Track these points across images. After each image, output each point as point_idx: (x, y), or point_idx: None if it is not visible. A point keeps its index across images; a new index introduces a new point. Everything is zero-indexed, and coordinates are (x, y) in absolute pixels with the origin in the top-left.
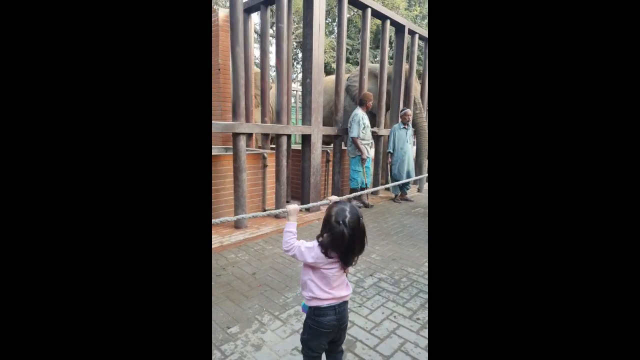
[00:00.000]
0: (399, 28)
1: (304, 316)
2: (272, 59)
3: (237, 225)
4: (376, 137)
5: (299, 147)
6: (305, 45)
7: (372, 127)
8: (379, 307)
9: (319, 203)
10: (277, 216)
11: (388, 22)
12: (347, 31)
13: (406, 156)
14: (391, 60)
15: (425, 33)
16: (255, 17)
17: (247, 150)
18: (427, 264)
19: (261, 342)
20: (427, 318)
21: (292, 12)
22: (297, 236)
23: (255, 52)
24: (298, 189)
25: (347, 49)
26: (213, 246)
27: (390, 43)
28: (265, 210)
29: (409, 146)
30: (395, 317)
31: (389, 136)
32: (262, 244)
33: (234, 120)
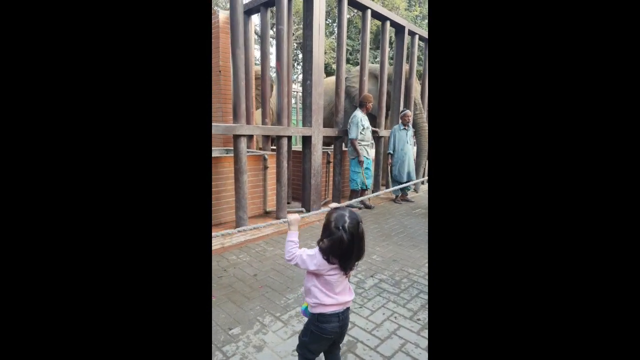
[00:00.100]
0: (399, 29)
1: (305, 317)
2: (272, 60)
3: (238, 226)
4: (376, 138)
5: (299, 148)
6: (306, 46)
7: (373, 127)
8: (379, 308)
9: (319, 211)
10: (278, 218)
11: (388, 23)
12: (348, 32)
13: (406, 157)
14: (391, 61)
15: (425, 34)
16: (255, 19)
17: (247, 151)
18: (427, 264)
19: (262, 344)
20: (427, 319)
21: (292, 13)
22: (299, 239)
23: (256, 53)
24: (299, 190)
25: (348, 50)
26: (214, 247)
27: (391, 44)
28: (266, 212)
29: (409, 147)
30: (395, 318)
31: (389, 137)
32: (263, 245)
33: (234, 122)
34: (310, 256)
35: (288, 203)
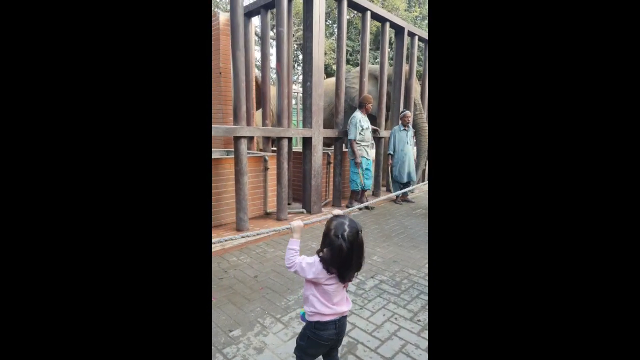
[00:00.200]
0: (398, 30)
1: (304, 322)
2: (272, 61)
3: (239, 228)
4: (377, 139)
5: (300, 149)
6: (306, 48)
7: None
8: (380, 309)
9: (322, 217)
10: (278, 219)
11: (387, 24)
12: (347, 32)
13: (407, 158)
14: (391, 62)
15: (424, 34)
16: (255, 21)
17: (248, 153)
18: (427, 265)
19: (263, 345)
20: (427, 320)
21: (293, 15)
22: (300, 242)
23: (256, 54)
24: (299, 191)
25: (348, 51)
26: (214, 249)
27: (391, 44)
28: (266, 214)
29: (409, 148)
30: (396, 319)
31: (389, 138)
32: (263, 247)
33: (235, 124)
34: (309, 264)
35: (289, 204)
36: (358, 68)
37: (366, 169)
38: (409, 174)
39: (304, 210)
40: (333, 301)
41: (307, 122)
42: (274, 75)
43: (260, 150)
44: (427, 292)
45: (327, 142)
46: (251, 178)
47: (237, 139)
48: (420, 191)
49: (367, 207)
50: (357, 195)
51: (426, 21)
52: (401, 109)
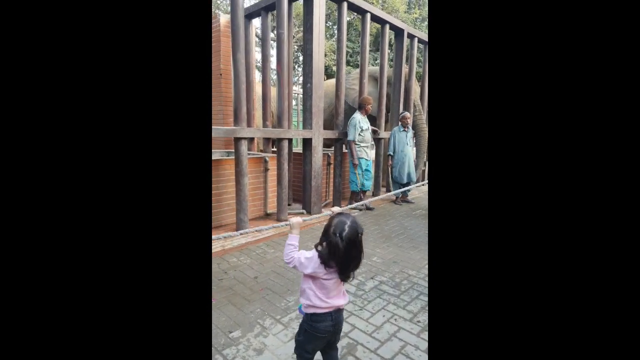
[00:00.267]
0: (398, 32)
1: (301, 315)
2: (273, 63)
3: (239, 228)
4: (377, 140)
5: (300, 150)
6: (306, 50)
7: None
8: (379, 310)
9: (322, 214)
10: (278, 220)
11: (387, 26)
12: (348, 34)
13: (406, 158)
14: (391, 63)
15: (424, 36)
16: (256, 22)
17: (248, 154)
18: (427, 266)
19: (263, 347)
20: (427, 321)
21: (293, 17)
22: (299, 241)
23: (257, 55)
24: (299, 192)
25: (348, 52)
26: (215, 250)
27: (390, 46)
28: (267, 214)
29: (409, 149)
30: (396, 320)
31: (389, 139)
32: (263, 248)
33: (235, 125)
34: (308, 259)
35: (289, 205)
36: (358, 70)
37: (366, 169)
38: (408, 175)
39: (304, 211)
40: (330, 295)
41: (307, 123)
42: (274, 77)
43: (261, 151)
44: (426, 293)
45: (327, 143)
46: (251, 179)
47: (237, 140)
48: (420, 192)
49: (367, 208)
50: (357, 196)
51: (426, 23)
52: (401, 110)
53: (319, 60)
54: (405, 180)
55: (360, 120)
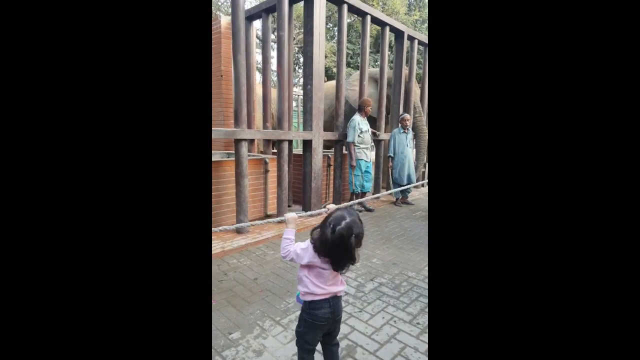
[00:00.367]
0: (398, 34)
1: (299, 304)
2: (273, 64)
3: (239, 230)
4: (377, 141)
5: (300, 151)
6: (306, 52)
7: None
8: (379, 312)
9: (316, 212)
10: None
11: (387, 28)
12: (348, 36)
13: (407, 160)
14: (391, 65)
15: (424, 38)
16: (257, 24)
17: (248, 155)
18: (427, 268)
19: (262, 348)
20: (427, 322)
21: (294, 19)
22: (295, 239)
23: (257, 57)
24: (299, 194)
25: (348, 53)
26: (214, 251)
27: (391, 48)
28: (267, 215)
29: (409, 150)
30: (395, 321)
31: (389, 140)
32: (263, 249)
33: (235, 127)
34: (303, 249)
35: (289, 206)
36: (358, 72)
37: (366, 171)
38: (408, 176)
39: (304, 213)
40: (327, 283)
41: (307, 124)
42: (274, 78)
43: (261, 152)
44: (426, 294)
45: (328, 144)
46: (251, 180)
47: (237, 141)
48: (420, 193)
49: (366, 209)
50: (357, 197)
51: (426, 24)
52: (401, 111)
53: (319, 62)
54: (405, 182)
55: (359, 121)
